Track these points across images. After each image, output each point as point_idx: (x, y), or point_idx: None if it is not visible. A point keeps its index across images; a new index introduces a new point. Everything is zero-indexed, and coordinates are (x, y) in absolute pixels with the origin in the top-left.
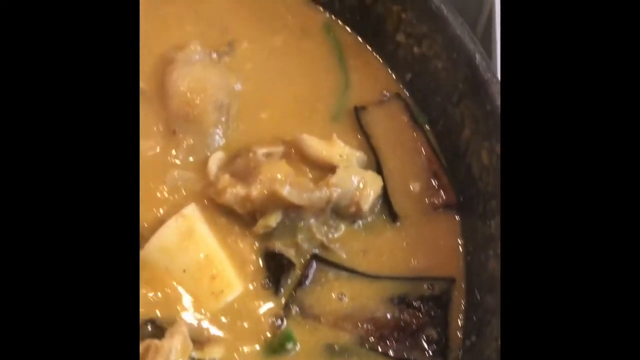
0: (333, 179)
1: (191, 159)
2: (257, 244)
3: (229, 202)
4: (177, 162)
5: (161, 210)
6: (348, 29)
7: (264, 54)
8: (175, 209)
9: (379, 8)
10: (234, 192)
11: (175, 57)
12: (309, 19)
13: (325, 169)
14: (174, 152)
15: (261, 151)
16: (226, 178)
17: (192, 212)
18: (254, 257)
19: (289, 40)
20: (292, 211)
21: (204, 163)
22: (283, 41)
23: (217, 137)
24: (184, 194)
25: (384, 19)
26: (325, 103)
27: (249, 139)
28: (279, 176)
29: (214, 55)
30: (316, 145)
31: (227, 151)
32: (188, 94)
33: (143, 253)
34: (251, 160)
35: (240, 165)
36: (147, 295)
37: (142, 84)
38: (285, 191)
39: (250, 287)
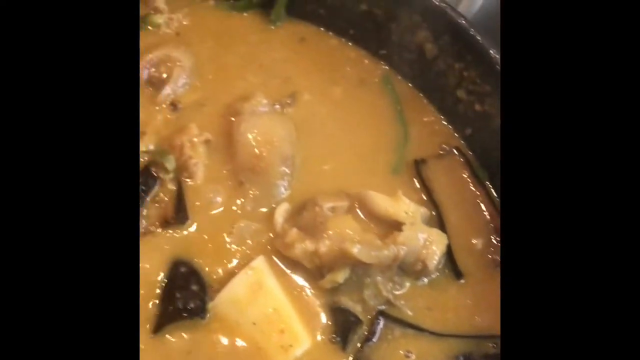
0: (400, 237)
1: (257, 209)
2: (323, 298)
3: (298, 256)
4: (243, 212)
5: (232, 261)
6: (407, 81)
7: (325, 105)
8: (243, 259)
9: (439, 64)
10: (302, 247)
11: (241, 109)
12: (367, 71)
13: (390, 225)
14: (239, 202)
15: (327, 205)
16: (294, 232)
17: (261, 265)
18: (320, 311)
19: (348, 91)
20: (359, 268)
21: (269, 214)
22: (342, 92)
23: (282, 188)
24: (251, 244)
25: (444, 75)
26: (386, 155)
27: (312, 191)
28: (349, 233)
29: (277, 107)
30: (383, 203)
31: (292, 202)
32: (256, 147)
33: (214, 304)
34: (318, 214)
35: (306, 218)
36: (217, 345)
37: (209, 134)
38: (356, 250)
39: (318, 341)
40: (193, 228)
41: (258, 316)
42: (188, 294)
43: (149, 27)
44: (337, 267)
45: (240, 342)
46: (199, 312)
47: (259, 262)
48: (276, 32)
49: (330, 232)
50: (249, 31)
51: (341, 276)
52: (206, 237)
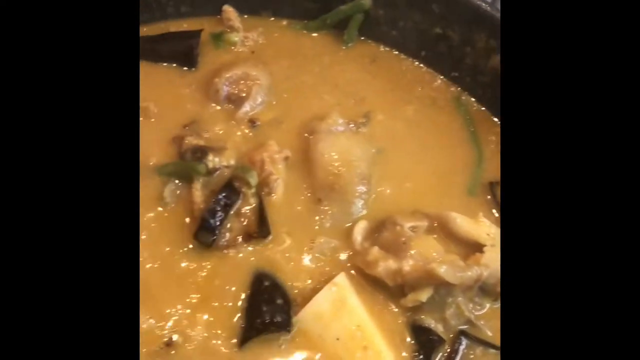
0: (483, 259)
1: (335, 226)
2: (404, 317)
3: (380, 274)
4: (322, 229)
5: (312, 277)
6: (479, 103)
7: (399, 124)
8: (322, 275)
9: None
10: (386, 265)
11: (318, 127)
12: (438, 92)
13: (469, 246)
14: (317, 218)
15: (408, 225)
16: (375, 250)
17: (343, 281)
18: (402, 329)
19: (421, 111)
20: (442, 288)
21: (347, 231)
22: (415, 112)
23: (359, 206)
24: (330, 260)
25: None
26: (461, 176)
27: (389, 210)
28: (434, 254)
29: (352, 126)
30: (465, 224)
31: (369, 220)
32: (334, 165)
33: (298, 318)
34: (399, 233)
35: (387, 237)
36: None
37: (288, 151)
38: (442, 270)
39: (402, 358)
40: (274, 243)
41: (341, 332)
42: (274, 307)
43: (228, 46)
44: (421, 286)
45: (323, 357)
46: (285, 325)
47: (342, 279)
48: (348, 53)
49: (414, 252)
50: (322, 51)
51: (424, 295)
52: (287, 252)
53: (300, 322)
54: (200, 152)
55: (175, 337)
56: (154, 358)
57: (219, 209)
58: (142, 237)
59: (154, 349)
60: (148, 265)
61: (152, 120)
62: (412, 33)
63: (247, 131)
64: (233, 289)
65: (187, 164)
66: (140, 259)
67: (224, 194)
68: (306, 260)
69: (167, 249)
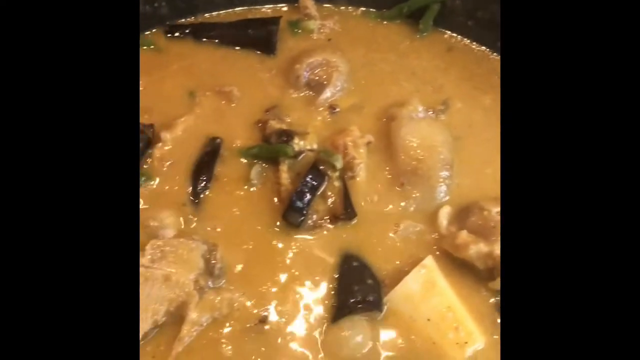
0: None
1: (419, 210)
2: (493, 299)
3: (471, 257)
4: (406, 212)
5: (399, 259)
6: None
7: (477, 112)
8: (409, 258)
9: None
10: (477, 249)
11: (398, 114)
12: None
13: None
14: (402, 203)
15: (495, 209)
16: (465, 234)
17: (431, 264)
18: (491, 311)
19: (497, 100)
20: None
21: (431, 215)
22: (492, 101)
23: (442, 191)
24: (416, 243)
25: None
26: None
27: (472, 195)
28: None
29: (431, 113)
30: None
31: (452, 205)
32: (417, 150)
33: (388, 299)
34: (487, 218)
35: (475, 222)
36: (393, 339)
37: (371, 136)
38: None
39: (493, 340)
40: (360, 225)
41: (432, 313)
42: (365, 287)
43: (305, 33)
44: None
45: (414, 337)
46: (377, 305)
47: (430, 261)
48: (423, 42)
49: None
50: (397, 40)
51: None
52: (372, 234)
53: (391, 303)
54: (286, 136)
55: (267, 314)
56: (249, 334)
57: (306, 190)
58: (236, 213)
59: (248, 325)
60: (244, 246)
61: (235, 104)
62: (488, 24)
63: (327, 117)
64: (321, 268)
65: (274, 146)
66: (236, 239)
67: (310, 176)
68: (392, 242)
69: (258, 227)
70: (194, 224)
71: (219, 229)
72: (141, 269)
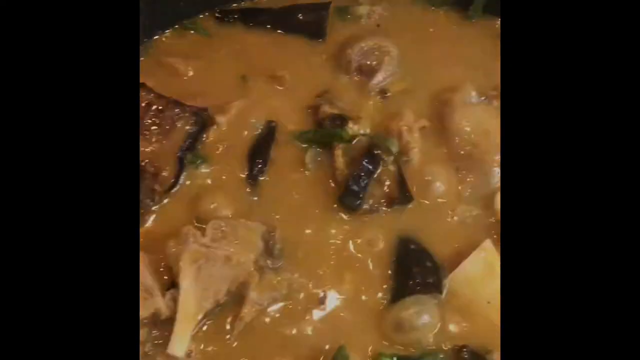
0: None
1: (474, 195)
2: None
3: None
4: (461, 197)
5: (457, 243)
6: None
7: None
8: (467, 241)
9: None
10: None
11: (451, 98)
12: None
13: None
14: (458, 187)
15: None
16: None
17: (490, 247)
18: None
19: None
20: None
21: (487, 199)
22: None
23: (497, 176)
24: (473, 228)
25: None
26: None
27: None
28: None
29: (484, 99)
30: None
31: None
32: (472, 135)
33: (448, 281)
34: None
35: None
36: (461, 324)
37: (425, 121)
38: None
39: None
40: (416, 209)
41: (492, 295)
42: (424, 269)
43: (354, 18)
44: None
45: (475, 319)
46: (438, 287)
47: (489, 245)
48: (472, 27)
49: None
50: (446, 25)
51: None
52: (429, 218)
53: (450, 285)
54: (340, 120)
55: (325, 295)
56: (308, 314)
57: (362, 174)
58: (294, 196)
59: (308, 306)
60: (302, 229)
61: (286, 88)
62: None
63: (378, 101)
64: (377, 250)
65: (329, 131)
66: (293, 221)
67: (366, 160)
68: (449, 226)
69: (316, 210)
70: (252, 206)
71: (276, 211)
72: (202, 249)
